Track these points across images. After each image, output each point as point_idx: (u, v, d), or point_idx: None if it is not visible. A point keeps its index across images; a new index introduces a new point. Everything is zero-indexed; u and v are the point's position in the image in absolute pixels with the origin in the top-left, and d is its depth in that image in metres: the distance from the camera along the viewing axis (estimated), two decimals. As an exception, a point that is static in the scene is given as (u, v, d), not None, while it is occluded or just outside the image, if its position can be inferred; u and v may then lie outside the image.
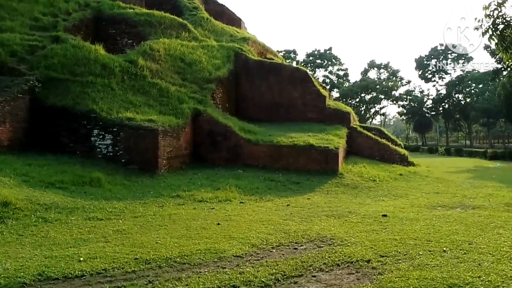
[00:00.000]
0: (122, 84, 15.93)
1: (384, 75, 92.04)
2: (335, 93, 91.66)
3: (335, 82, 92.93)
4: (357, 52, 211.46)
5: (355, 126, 21.67)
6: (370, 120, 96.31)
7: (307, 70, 22.89)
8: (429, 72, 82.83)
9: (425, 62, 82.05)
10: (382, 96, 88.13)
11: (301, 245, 6.96)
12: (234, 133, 16.60)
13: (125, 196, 11.17)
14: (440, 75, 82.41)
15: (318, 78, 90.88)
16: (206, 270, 5.77)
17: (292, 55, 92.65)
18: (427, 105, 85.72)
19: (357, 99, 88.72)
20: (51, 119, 14.02)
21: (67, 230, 7.70)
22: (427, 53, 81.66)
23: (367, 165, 18.21)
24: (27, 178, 10.57)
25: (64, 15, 18.70)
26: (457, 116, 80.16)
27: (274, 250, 6.70)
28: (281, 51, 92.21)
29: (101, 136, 14.03)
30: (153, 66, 17.43)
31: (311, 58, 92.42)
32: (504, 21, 6.11)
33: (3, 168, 10.74)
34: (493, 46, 6.22)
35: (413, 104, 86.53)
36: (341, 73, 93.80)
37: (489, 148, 52.91)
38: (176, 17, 22.39)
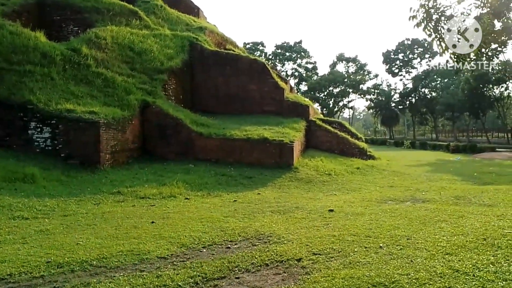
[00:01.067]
0: (64, 74, 14.92)
1: (352, 68, 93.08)
2: (304, 87, 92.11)
3: (304, 75, 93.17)
4: (327, 45, 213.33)
5: (314, 119, 21.32)
6: (339, 113, 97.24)
7: (265, 62, 22.29)
8: (396, 66, 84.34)
9: (392, 56, 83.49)
10: (350, 90, 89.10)
11: (235, 244, 6.42)
12: (185, 126, 15.88)
13: (60, 193, 10.40)
14: (407, 69, 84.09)
15: (285, 71, 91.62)
16: (121, 274, 5.21)
17: (260, 47, 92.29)
18: (394, 99, 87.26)
19: (325, 93, 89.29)
20: (-17, 111, 12.94)
21: (-17, 231, 6.92)
22: (394, 48, 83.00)
23: (324, 158, 17.90)
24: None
25: (3, 0, 17.39)
26: (424, 110, 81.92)
27: (204, 250, 6.14)
28: (248, 43, 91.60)
29: (38, 129, 13.09)
30: (98, 54, 16.46)
31: (279, 50, 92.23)
32: (438, 11, 5.72)
33: None
34: (427, 37, 5.83)
35: (380, 98, 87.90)
36: (310, 66, 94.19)
37: (454, 141, 54.11)
38: (126, 4, 21.34)
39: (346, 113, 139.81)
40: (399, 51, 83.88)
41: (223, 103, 21.56)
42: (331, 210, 9.03)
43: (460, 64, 6.11)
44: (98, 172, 12.64)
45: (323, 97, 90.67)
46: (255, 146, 15.59)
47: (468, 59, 6.08)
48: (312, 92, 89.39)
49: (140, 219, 8.10)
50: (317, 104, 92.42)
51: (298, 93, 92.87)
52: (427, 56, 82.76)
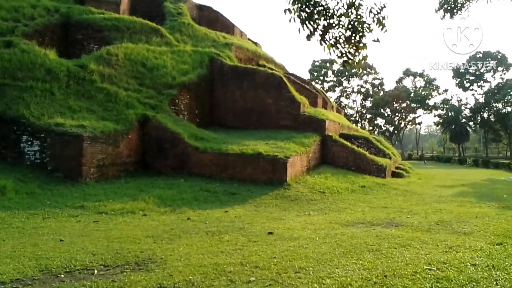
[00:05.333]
0: (66, 89, 15.41)
1: (419, 83, 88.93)
2: (369, 103, 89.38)
3: (370, 91, 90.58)
4: (395, 61, 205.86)
5: (331, 134, 20.23)
6: (404, 130, 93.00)
7: (282, 75, 21.63)
8: (467, 80, 79.37)
9: (463, 70, 78.63)
10: (416, 105, 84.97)
11: (107, 270, 5.91)
12: (182, 140, 15.70)
13: (21, 205, 10.53)
14: (479, 83, 78.82)
15: (351, 87, 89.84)
16: None
17: (328, 65, 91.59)
18: (465, 114, 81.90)
19: (390, 108, 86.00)
20: (-16, 125, 13.65)
21: None
22: (465, 61, 78.19)
23: (331, 176, 16.84)
24: None
25: (27, 21, 18.53)
26: (497, 126, 75.96)
27: (62, 276, 5.62)
28: (317, 61, 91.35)
29: (29, 142, 13.53)
30: (106, 70, 16.88)
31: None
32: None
33: None
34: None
35: (449, 114, 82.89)
36: (376, 82, 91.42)
37: None
38: (148, 22, 21.87)
39: (423, 129, 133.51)
40: (469, 64, 78.54)
41: (240, 117, 21.23)
42: (270, 233, 8.32)
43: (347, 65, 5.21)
44: (78, 185, 12.76)
45: (387, 113, 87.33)
46: (248, 162, 15.00)
47: (351, 60, 5.16)
48: (375, 108, 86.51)
49: (57, 236, 7.87)
50: (381, 120, 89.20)
51: (360, 110, 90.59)
52: (500, 69, 76.89)
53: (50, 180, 12.89)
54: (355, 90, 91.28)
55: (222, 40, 25.20)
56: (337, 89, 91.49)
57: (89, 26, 20.13)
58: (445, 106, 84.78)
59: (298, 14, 4.97)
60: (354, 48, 5.02)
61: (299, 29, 4.97)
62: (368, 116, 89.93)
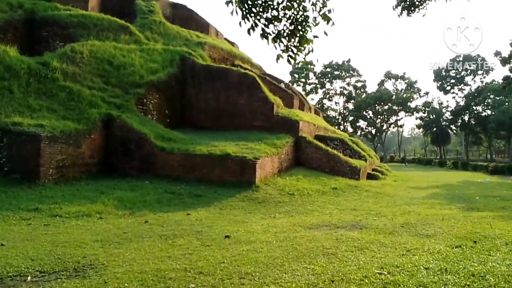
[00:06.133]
0: (26, 87, 14.77)
1: (401, 86, 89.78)
2: (351, 105, 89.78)
3: (353, 93, 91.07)
4: (377, 64, 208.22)
5: (304, 135, 19.98)
6: (386, 132, 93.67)
7: (255, 75, 21.30)
8: (448, 83, 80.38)
9: (444, 73, 79.62)
10: (397, 108, 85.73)
11: (42, 276, 5.54)
12: (148, 141, 15.22)
13: (-31, 208, 9.94)
14: (460, 86, 79.92)
15: (334, 89, 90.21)
16: None
17: (310, 66, 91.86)
18: (446, 117, 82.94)
19: (372, 111, 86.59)
20: None
21: None
22: (445, 64, 79.13)
23: (303, 177, 16.59)
24: None
25: (-12, 17, 17.81)
26: (477, 129, 77.11)
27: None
28: (298, 63, 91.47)
29: (-15, 142, 12.87)
30: (69, 68, 16.28)
31: (328, 69, 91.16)
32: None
33: None
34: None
35: (431, 116, 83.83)
36: (359, 84, 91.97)
37: (510, 162, 50.51)
38: (117, 19, 21.29)
39: (406, 131, 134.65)
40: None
41: (213, 118, 20.83)
42: (227, 237, 7.96)
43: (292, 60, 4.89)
44: (35, 187, 12.16)
45: (370, 115, 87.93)
46: (217, 163, 14.61)
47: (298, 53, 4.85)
48: (358, 111, 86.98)
49: (0, 240, 7.37)
50: (363, 122, 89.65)
51: (343, 112, 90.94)
52: (480, 72, 78.12)
53: (6, 181, 12.25)
54: (338, 92, 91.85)
55: (195, 39, 24.76)
56: (320, 91, 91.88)
57: (54, 22, 19.46)
58: (426, 108, 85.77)
59: (239, 6, 4.63)
60: (298, 42, 4.71)
61: (239, 23, 4.64)
62: (351, 118, 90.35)
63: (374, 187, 17.50)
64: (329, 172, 18.80)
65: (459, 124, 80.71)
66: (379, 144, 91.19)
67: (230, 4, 4.67)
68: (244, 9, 4.60)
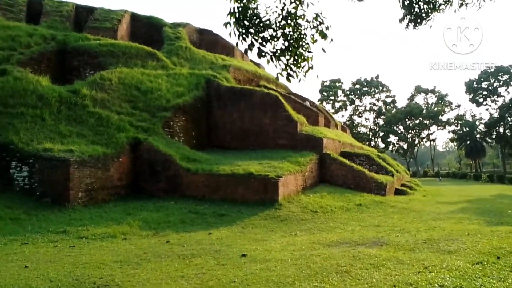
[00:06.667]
0: (58, 115, 15.50)
1: (431, 99, 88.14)
2: (382, 121, 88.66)
3: (383, 109, 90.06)
4: (406, 79, 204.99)
5: (329, 152, 19.88)
6: (418, 146, 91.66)
7: (278, 95, 21.49)
8: (480, 95, 78.40)
9: (476, 85, 77.82)
10: (428, 122, 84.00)
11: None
12: (174, 162, 15.57)
13: (4, 231, 10.50)
14: (493, 98, 77.76)
15: (364, 106, 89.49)
16: None
17: (338, 84, 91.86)
18: (480, 129, 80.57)
19: (404, 125, 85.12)
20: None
21: None
22: (477, 76, 77.26)
23: (327, 194, 16.46)
24: None
25: (23, 49, 18.83)
26: (514, 140, 74.46)
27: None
28: (326, 81, 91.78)
29: (18, 168, 13.53)
30: (99, 95, 16.97)
31: (357, 86, 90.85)
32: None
33: None
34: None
35: (464, 129, 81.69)
36: (389, 100, 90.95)
37: None
38: (144, 47, 22.08)
39: (440, 145, 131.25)
40: (482, 79, 77.61)
41: (238, 138, 21.09)
42: (244, 255, 8.02)
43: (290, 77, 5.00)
44: (65, 210, 12.63)
45: (401, 130, 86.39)
46: (240, 182, 14.74)
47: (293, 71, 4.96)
48: (389, 126, 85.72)
49: (26, 262, 7.70)
50: (394, 137, 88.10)
51: (374, 128, 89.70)
52: (513, 83, 75.77)
53: (38, 205, 12.81)
54: (368, 108, 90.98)
55: (220, 62, 25.29)
56: (349, 108, 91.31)
57: (85, 52, 20.39)
58: (459, 121, 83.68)
59: (236, 27, 4.81)
60: (294, 60, 4.83)
61: (236, 43, 4.81)
62: (381, 134, 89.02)
63: (400, 203, 17.15)
64: (354, 188, 18.59)
65: (494, 136, 78.10)
66: (411, 159, 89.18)
67: (228, 26, 4.85)
68: (241, 29, 4.76)
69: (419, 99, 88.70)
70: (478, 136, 80.00)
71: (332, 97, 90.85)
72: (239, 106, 21.18)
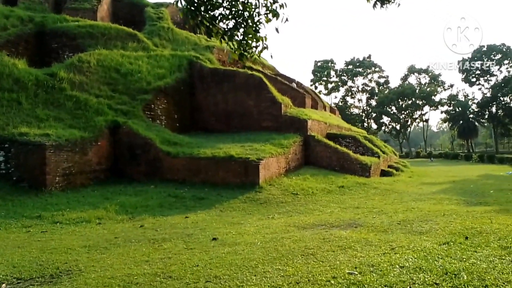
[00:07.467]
0: (34, 98, 15.19)
1: (424, 80, 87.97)
2: (374, 102, 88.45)
3: (376, 89, 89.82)
4: (400, 59, 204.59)
5: (313, 134, 19.78)
6: (410, 127, 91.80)
7: (262, 76, 21.24)
8: (473, 75, 78.35)
9: (469, 64, 77.54)
10: (421, 102, 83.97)
11: (18, 283, 5.62)
12: (154, 146, 15.39)
13: (-25, 218, 10.25)
14: (486, 77, 77.76)
15: (356, 86, 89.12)
16: None
17: (330, 65, 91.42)
18: (472, 109, 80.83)
19: (396, 106, 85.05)
20: None
21: None
22: (470, 55, 77.14)
23: (310, 176, 16.42)
24: None
25: (0, 31, 18.38)
26: (506, 120, 74.74)
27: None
28: (319, 61, 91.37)
29: (-6, 153, 13.28)
30: (77, 78, 16.65)
31: (349, 66, 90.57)
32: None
33: None
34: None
35: (456, 109, 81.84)
36: (382, 80, 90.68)
37: None
38: (124, 28, 21.64)
39: (434, 126, 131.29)
40: (475, 58, 77.27)
41: (222, 120, 20.91)
42: (215, 239, 7.95)
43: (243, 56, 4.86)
44: (42, 195, 12.46)
45: (393, 111, 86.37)
46: (220, 165, 14.63)
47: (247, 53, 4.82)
48: (381, 106, 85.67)
49: (-8, 248, 7.57)
50: (386, 118, 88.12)
51: (367, 109, 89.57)
52: (506, 62, 75.75)
53: (14, 190, 12.61)
54: (360, 89, 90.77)
55: (204, 43, 24.88)
56: (342, 89, 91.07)
57: (63, 34, 19.95)
58: (451, 102, 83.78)
59: (186, 5, 4.62)
60: (244, 40, 4.66)
61: (184, 22, 4.63)
62: (374, 114, 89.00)
63: (384, 184, 17.17)
64: (339, 170, 18.56)
65: (486, 116, 78.44)
66: (403, 140, 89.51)
67: (179, 3, 4.67)
68: (190, 7, 4.58)
69: (412, 80, 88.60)
70: (470, 116, 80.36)
71: (324, 78, 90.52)
72: (222, 88, 20.93)
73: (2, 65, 15.65)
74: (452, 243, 6.69)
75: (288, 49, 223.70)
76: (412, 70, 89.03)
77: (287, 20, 4.81)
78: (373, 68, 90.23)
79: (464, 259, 5.70)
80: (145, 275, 5.56)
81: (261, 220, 10.53)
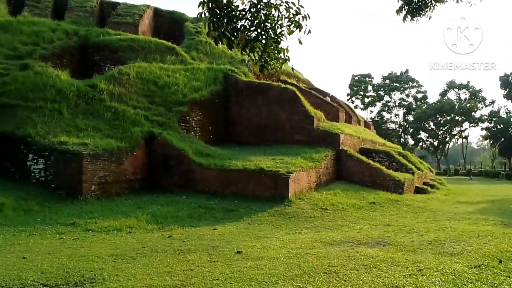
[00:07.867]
0: (75, 109, 15.84)
1: (464, 95, 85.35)
2: (412, 117, 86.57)
3: (413, 105, 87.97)
4: (439, 73, 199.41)
5: (346, 148, 19.54)
6: (449, 144, 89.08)
7: (295, 89, 21.24)
8: (517, 91, 75.40)
9: (511, 80, 74.86)
10: (460, 118, 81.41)
11: None
12: (187, 157, 15.64)
13: (15, 223, 10.73)
14: (529, 93, 74.64)
15: (393, 101, 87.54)
16: None
17: (367, 79, 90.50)
18: (515, 126, 77.54)
19: (434, 122, 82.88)
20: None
21: None
22: (512, 71, 74.27)
23: (341, 191, 16.20)
24: None
25: (46, 44, 19.30)
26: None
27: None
28: (356, 75, 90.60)
29: (35, 161, 13.91)
30: (116, 89, 17.23)
31: (386, 81, 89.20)
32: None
33: None
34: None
35: (498, 126, 78.80)
36: (419, 95, 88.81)
37: None
38: (164, 42, 22.27)
39: (474, 143, 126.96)
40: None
41: (255, 133, 21.01)
42: (239, 252, 7.96)
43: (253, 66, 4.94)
44: (78, 202, 12.90)
45: (431, 127, 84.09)
46: (251, 177, 14.68)
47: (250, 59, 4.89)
48: (418, 122, 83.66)
49: (26, 253, 7.89)
50: (424, 134, 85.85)
51: (403, 124, 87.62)
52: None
53: (52, 197, 13.13)
54: (397, 104, 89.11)
55: (240, 56, 25.16)
56: (378, 104, 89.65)
57: (105, 47, 20.74)
58: (492, 118, 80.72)
59: (209, 18, 4.74)
60: (265, 51, 4.72)
61: (207, 33, 4.75)
62: (411, 130, 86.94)
63: (417, 202, 16.69)
64: (371, 186, 18.22)
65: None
66: (442, 157, 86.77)
67: (203, 15, 4.79)
68: (214, 19, 4.68)
69: (452, 95, 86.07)
70: (512, 133, 77.00)
71: (361, 92, 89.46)
72: (256, 100, 21.08)
73: (46, 76, 16.44)
74: (484, 267, 6.43)
75: (324, 63, 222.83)
76: (451, 85, 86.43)
77: (309, 32, 4.83)
78: (410, 83, 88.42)
79: (496, 285, 5.48)
80: (165, 287, 5.64)
81: (288, 234, 10.47)
